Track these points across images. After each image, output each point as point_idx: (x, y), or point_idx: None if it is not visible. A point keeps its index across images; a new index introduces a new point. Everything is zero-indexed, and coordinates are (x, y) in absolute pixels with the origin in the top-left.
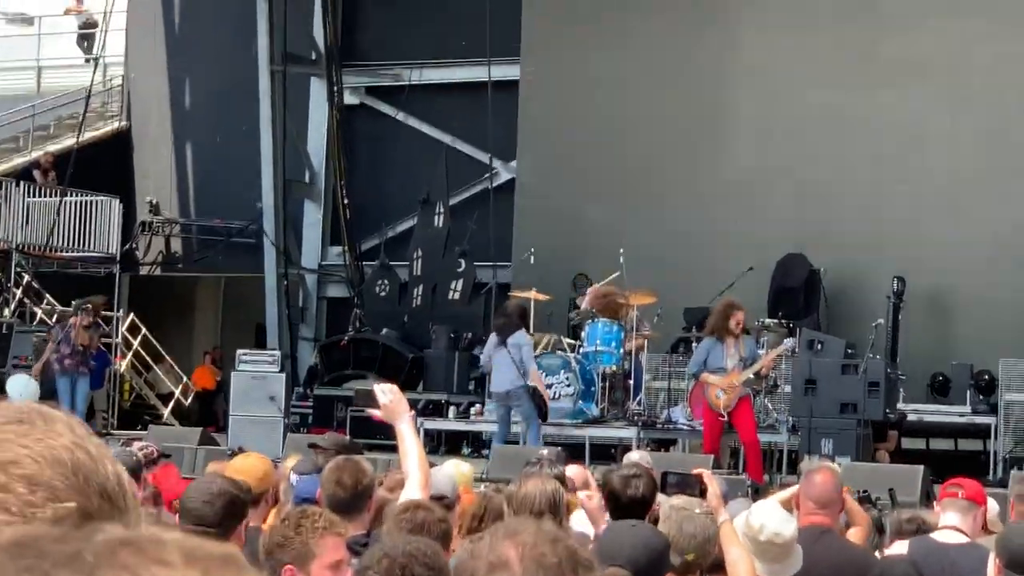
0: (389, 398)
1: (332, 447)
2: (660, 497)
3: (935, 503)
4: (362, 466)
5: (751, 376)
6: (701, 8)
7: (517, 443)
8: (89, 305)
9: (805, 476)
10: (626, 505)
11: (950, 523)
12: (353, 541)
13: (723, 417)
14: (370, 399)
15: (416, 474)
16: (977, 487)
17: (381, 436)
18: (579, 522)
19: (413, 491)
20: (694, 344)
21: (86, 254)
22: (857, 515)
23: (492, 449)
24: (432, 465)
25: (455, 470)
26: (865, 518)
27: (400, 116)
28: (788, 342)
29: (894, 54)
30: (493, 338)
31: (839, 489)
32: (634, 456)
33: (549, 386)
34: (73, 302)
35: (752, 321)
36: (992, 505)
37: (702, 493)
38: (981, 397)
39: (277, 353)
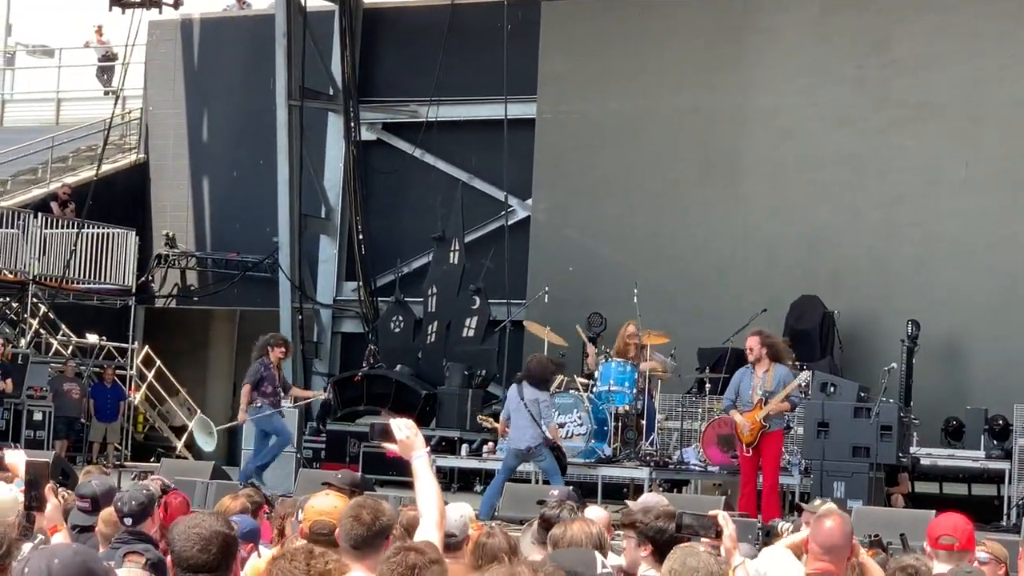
0: (406, 434)
1: (346, 485)
2: None
3: (926, 545)
4: (381, 506)
5: (770, 412)
6: (716, 50)
7: (528, 482)
8: (282, 341)
9: (815, 520)
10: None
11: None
12: None
13: (749, 453)
14: (386, 434)
15: (432, 513)
16: (968, 532)
17: (394, 472)
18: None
19: (429, 529)
20: (707, 385)
21: (102, 286)
22: (872, 572)
23: (491, 489)
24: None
25: (467, 509)
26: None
27: (417, 152)
28: (802, 376)
29: (907, 96)
30: (513, 393)
31: (849, 536)
32: (652, 498)
33: (561, 425)
34: (264, 337)
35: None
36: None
37: (717, 535)
38: (995, 442)
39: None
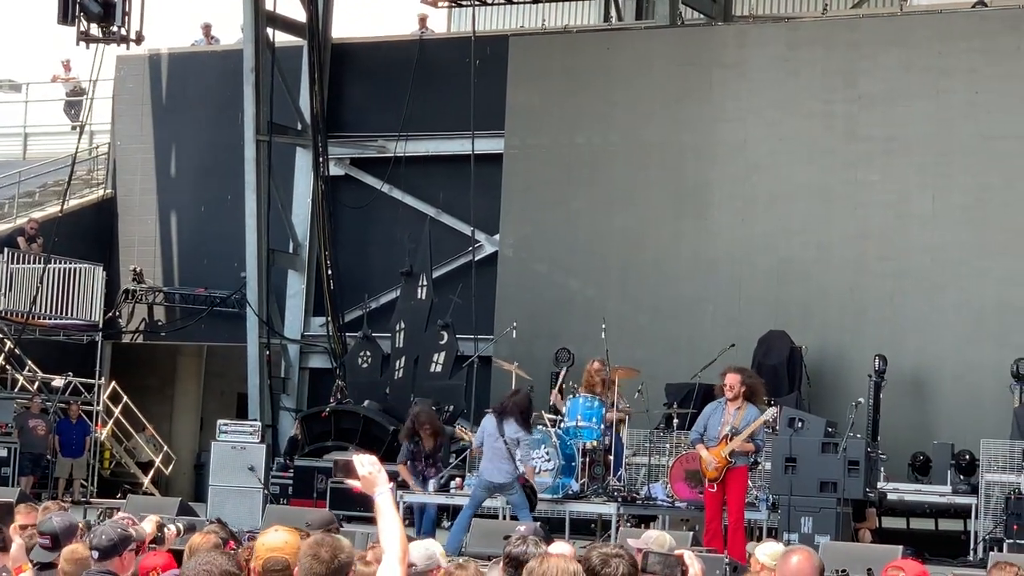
0: (368, 470)
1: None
2: None
3: None
4: (340, 543)
5: (734, 449)
6: (684, 84)
7: (495, 517)
8: (426, 419)
9: (783, 556)
10: None
11: None
12: None
13: (713, 489)
14: (349, 470)
15: (394, 548)
16: (920, 569)
17: (361, 508)
18: None
19: (391, 565)
20: (675, 420)
21: (69, 321)
22: None
23: (459, 523)
24: (412, 539)
25: (436, 546)
26: None
27: (385, 188)
28: (768, 412)
29: (875, 131)
30: (492, 423)
31: (817, 570)
32: (652, 534)
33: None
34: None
35: None
36: None
37: (683, 574)
38: (962, 477)
39: (258, 423)
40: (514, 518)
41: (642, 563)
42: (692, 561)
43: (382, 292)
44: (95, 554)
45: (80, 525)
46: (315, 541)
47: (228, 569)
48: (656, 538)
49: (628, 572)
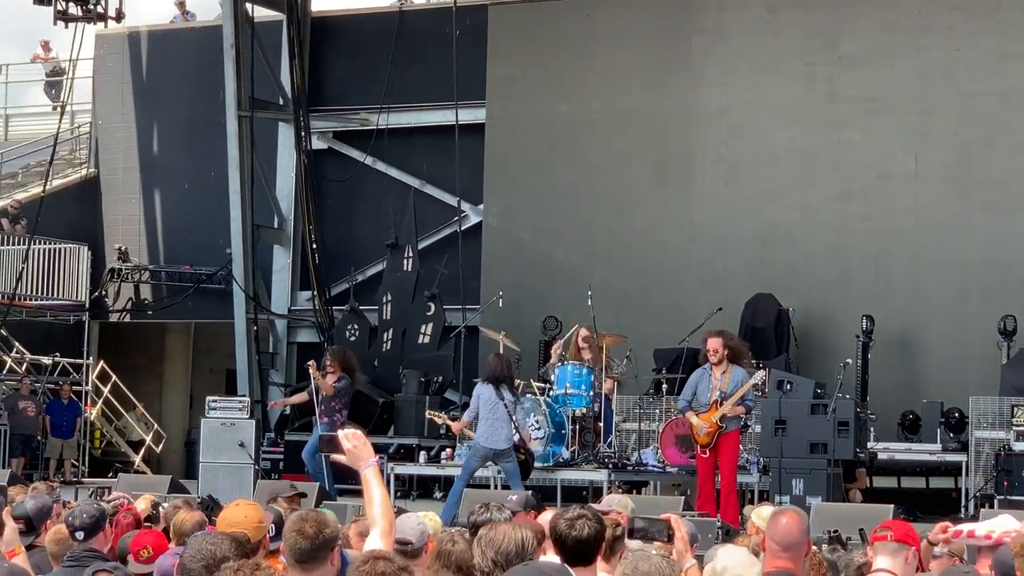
0: (353, 443)
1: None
2: (629, 541)
3: (867, 547)
4: (325, 518)
5: (726, 414)
6: (664, 49)
7: (487, 487)
8: (313, 362)
9: (771, 517)
10: (571, 547)
11: (882, 566)
12: None
13: (705, 455)
14: (334, 444)
15: (380, 521)
16: (907, 528)
17: (354, 482)
18: None
19: (377, 539)
20: (664, 386)
21: (55, 302)
22: None
23: (453, 495)
24: (402, 511)
25: (426, 519)
26: None
27: (368, 160)
28: (756, 376)
29: (856, 91)
30: (489, 390)
31: (805, 532)
32: (614, 498)
33: None
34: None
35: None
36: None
37: (670, 538)
38: (951, 435)
39: (247, 399)
40: (506, 486)
41: (629, 527)
42: (679, 524)
43: (368, 265)
44: (80, 535)
45: (57, 506)
46: (300, 516)
47: (228, 556)
48: (619, 500)
49: (594, 531)
